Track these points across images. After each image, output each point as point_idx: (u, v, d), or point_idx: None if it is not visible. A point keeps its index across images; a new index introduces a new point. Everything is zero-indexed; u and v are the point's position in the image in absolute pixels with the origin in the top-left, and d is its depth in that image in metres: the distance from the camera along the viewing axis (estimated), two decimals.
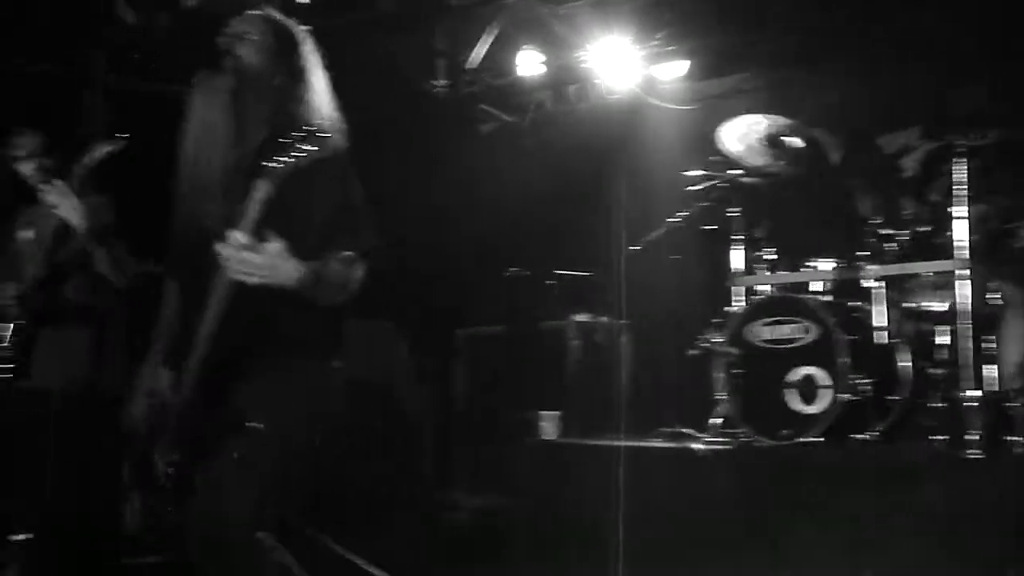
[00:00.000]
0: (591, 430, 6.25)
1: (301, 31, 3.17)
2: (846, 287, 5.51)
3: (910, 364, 5.15)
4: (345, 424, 6.74)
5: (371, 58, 7.27)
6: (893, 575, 4.16)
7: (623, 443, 5.33)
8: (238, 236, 2.68)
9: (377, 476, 7.11)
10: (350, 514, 6.66)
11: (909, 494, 4.26)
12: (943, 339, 5.26)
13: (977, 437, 4.36)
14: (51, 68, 5.39)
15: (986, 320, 5.09)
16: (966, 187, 4.80)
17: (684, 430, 5.44)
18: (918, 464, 4.48)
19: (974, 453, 4.35)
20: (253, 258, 2.67)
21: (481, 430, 7.20)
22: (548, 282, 7.28)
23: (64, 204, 4.19)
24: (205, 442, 2.86)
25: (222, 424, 2.85)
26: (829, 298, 5.53)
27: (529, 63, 7.77)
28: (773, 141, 5.78)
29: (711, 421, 5.54)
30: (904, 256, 5.25)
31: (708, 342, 5.59)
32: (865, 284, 5.36)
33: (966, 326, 4.74)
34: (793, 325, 5.23)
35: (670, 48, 7.32)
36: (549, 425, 6.01)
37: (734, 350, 5.37)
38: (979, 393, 4.52)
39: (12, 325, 4.44)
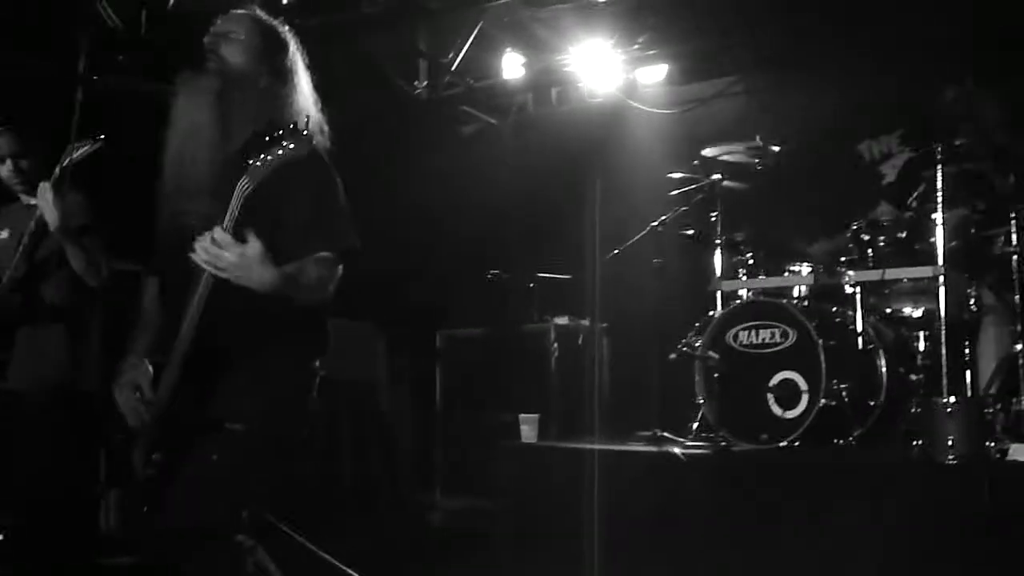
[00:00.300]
0: (570, 433, 6.26)
1: (286, 31, 3.16)
2: (826, 292, 5.54)
3: (888, 369, 5.18)
4: (324, 425, 6.78)
5: (353, 59, 7.26)
6: None
7: (600, 447, 5.33)
8: (217, 233, 2.67)
9: (356, 477, 7.10)
10: (328, 515, 6.64)
11: (887, 499, 4.27)
12: (921, 344, 5.29)
13: (954, 442, 4.38)
14: (31, 68, 5.36)
15: (964, 326, 5.12)
16: (944, 193, 4.82)
17: (663, 434, 5.44)
18: (896, 469, 4.49)
19: (951, 458, 4.37)
20: (227, 257, 2.67)
21: (460, 432, 7.19)
22: (528, 285, 7.28)
23: (42, 202, 4.17)
24: (185, 441, 2.84)
25: (201, 424, 2.84)
26: (808, 303, 5.56)
27: (511, 66, 7.78)
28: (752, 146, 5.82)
29: (690, 425, 5.55)
30: (883, 262, 5.27)
31: (688, 346, 5.59)
32: (844, 289, 5.38)
33: (944, 332, 4.76)
34: (773, 330, 5.24)
35: (652, 52, 7.35)
36: (528, 428, 6.00)
37: (714, 354, 5.39)
38: (956, 398, 4.54)
39: None
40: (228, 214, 2.72)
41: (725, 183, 5.87)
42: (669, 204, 6.08)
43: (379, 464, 7.26)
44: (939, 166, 4.82)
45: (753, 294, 5.71)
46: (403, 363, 7.88)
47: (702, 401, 5.44)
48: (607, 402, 6.71)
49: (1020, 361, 4.75)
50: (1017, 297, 4.84)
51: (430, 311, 7.80)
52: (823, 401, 4.97)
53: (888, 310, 5.51)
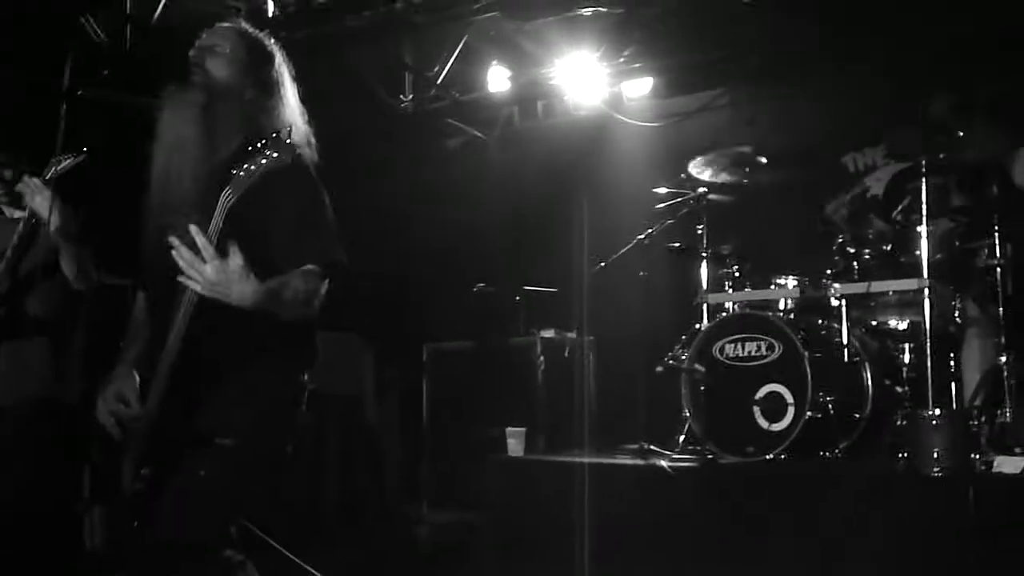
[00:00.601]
0: (557, 446, 6.26)
1: (272, 44, 3.15)
2: (811, 304, 5.55)
3: (874, 381, 5.19)
4: (311, 438, 6.76)
5: (338, 73, 7.26)
6: None
7: (587, 460, 5.33)
8: (200, 245, 2.65)
9: (343, 490, 7.08)
10: (316, 528, 6.62)
11: (873, 511, 4.28)
12: (906, 356, 5.31)
13: (939, 454, 4.39)
14: (16, 82, 5.34)
15: (949, 338, 5.15)
16: (929, 206, 4.84)
17: (650, 446, 5.44)
18: (882, 481, 4.50)
19: (937, 470, 4.38)
20: (207, 272, 2.65)
21: (447, 445, 7.18)
22: (515, 298, 7.28)
23: (37, 199, 4.13)
24: (173, 455, 2.83)
25: (189, 438, 2.82)
26: (794, 315, 5.58)
27: (496, 79, 7.78)
28: (737, 159, 5.84)
29: (677, 438, 5.55)
30: (868, 274, 5.30)
31: (674, 359, 5.60)
32: (830, 302, 5.40)
33: (929, 344, 4.78)
34: (759, 342, 5.25)
35: (637, 65, 7.36)
36: (515, 441, 6.00)
37: (700, 367, 5.39)
38: (941, 410, 4.56)
39: None
40: (212, 225, 2.71)
41: (711, 196, 5.88)
42: (655, 217, 6.09)
43: (366, 477, 7.24)
44: (924, 179, 4.85)
45: (739, 307, 5.72)
46: (390, 376, 7.86)
47: (688, 414, 5.45)
48: (594, 415, 6.70)
49: (1004, 373, 4.77)
50: (1001, 309, 4.87)
51: (417, 324, 7.80)
52: (809, 413, 4.98)
53: (874, 322, 5.53)
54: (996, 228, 4.88)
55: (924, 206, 4.84)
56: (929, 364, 4.77)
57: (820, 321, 5.54)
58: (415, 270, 8.08)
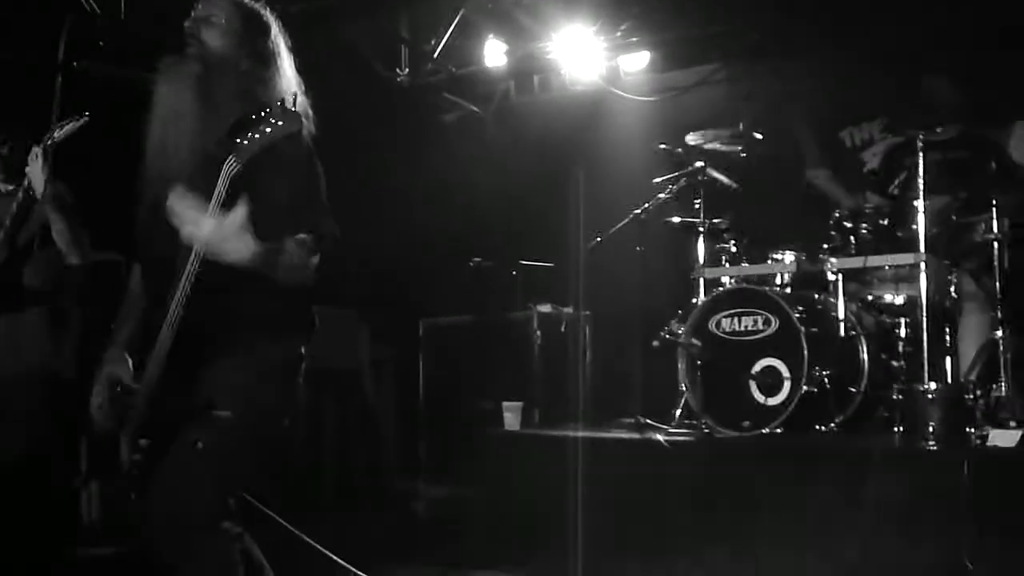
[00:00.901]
0: (553, 420, 6.27)
1: (268, 14, 3.14)
2: (808, 279, 5.56)
3: (870, 355, 5.20)
4: (308, 412, 6.77)
5: (334, 46, 7.23)
6: (852, 564, 4.20)
7: (583, 434, 5.34)
8: (199, 205, 2.64)
9: (339, 465, 7.09)
10: (312, 502, 6.64)
11: (868, 485, 4.29)
12: (903, 331, 5.32)
13: (934, 428, 4.41)
14: (10, 54, 5.31)
15: (945, 313, 5.16)
16: (926, 181, 4.84)
17: (646, 421, 5.45)
18: (877, 455, 4.52)
19: (932, 444, 4.40)
20: (208, 227, 2.63)
21: (443, 420, 7.19)
22: (511, 272, 7.28)
23: (32, 168, 4.12)
24: (171, 428, 2.83)
25: (188, 410, 2.82)
26: (790, 290, 5.58)
27: (493, 53, 7.76)
28: (736, 133, 5.83)
29: (673, 412, 5.57)
30: (865, 248, 5.30)
31: (671, 333, 5.60)
32: (827, 276, 5.40)
33: (925, 318, 4.79)
34: (755, 317, 5.26)
35: (634, 39, 7.34)
36: (511, 415, 6.01)
37: (696, 341, 5.40)
38: (937, 385, 4.57)
39: None
40: (215, 195, 2.70)
41: (708, 172, 5.88)
42: (652, 191, 6.08)
43: (363, 451, 7.26)
44: (921, 153, 4.85)
45: (736, 281, 5.72)
46: (386, 351, 7.87)
47: (685, 388, 5.46)
48: (590, 389, 6.72)
49: (1000, 347, 4.78)
50: (997, 284, 4.88)
51: (413, 299, 7.79)
52: (805, 388, 4.99)
53: (870, 297, 5.54)
54: (993, 203, 4.88)
55: (921, 180, 4.84)
56: (925, 338, 4.78)
57: (816, 295, 5.54)
58: (411, 244, 8.07)
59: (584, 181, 7.08)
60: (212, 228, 2.64)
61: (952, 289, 5.22)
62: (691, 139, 5.93)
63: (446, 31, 7.55)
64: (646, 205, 6.03)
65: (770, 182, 6.36)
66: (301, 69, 3.17)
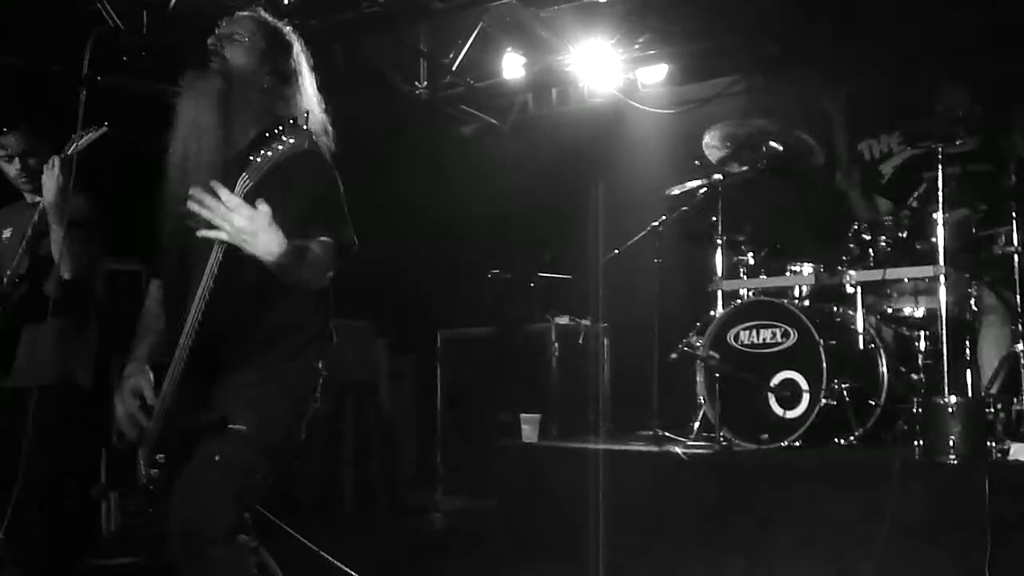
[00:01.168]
0: (571, 433, 6.26)
1: (290, 32, 3.16)
2: (826, 292, 5.54)
3: (889, 369, 5.18)
4: (326, 425, 6.78)
5: (354, 60, 7.27)
6: None
7: (601, 446, 5.33)
8: (225, 195, 2.63)
9: (357, 477, 7.11)
10: (329, 515, 6.65)
11: (887, 499, 4.27)
12: (922, 344, 5.30)
13: (954, 442, 4.38)
14: (36, 68, 5.36)
15: (965, 325, 5.13)
16: (945, 193, 4.82)
17: (664, 433, 5.44)
18: (896, 469, 4.49)
19: (952, 458, 4.37)
20: (237, 220, 2.63)
21: (461, 432, 7.20)
22: (529, 284, 7.28)
23: (47, 176, 4.15)
24: (189, 441, 2.84)
25: (205, 424, 2.84)
26: (809, 302, 5.56)
27: (511, 66, 7.77)
28: (754, 145, 5.81)
29: (691, 425, 5.56)
30: (884, 261, 5.27)
31: (689, 346, 5.60)
32: (845, 288, 5.39)
33: (945, 331, 4.77)
34: (774, 329, 5.25)
35: (652, 52, 7.34)
36: (529, 428, 6.01)
37: (714, 354, 5.39)
38: (957, 398, 4.55)
39: None
40: None
41: (727, 181, 5.86)
42: (669, 204, 6.08)
43: (380, 464, 7.27)
44: (940, 166, 4.83)
45: (754, 294, 5.71)
46: (404, 363, 7.89)
47: (703, 401, 5.45)
48: (608, 402, 6.72)
49: (1021, 360, 4.75)
50: (1018, 296, 4.85)
51: (431, 311, 7.81)
52: (824, 401, 4.97)
53: (889, 310, 5.50)
54: (1013, 215, 4.86)
55: (940, 193, 4.82)
56: (945, 351, 4.76)
57: (835, 308, 5.52)
58: (429, 256, 8.09)
59: (602, 193, 7.09)
60: (246, 217, 2.64)
61: (972, 302, 5.20)
62: (709, 139, 5.91)
63: (464, 44, 7.57)
64: (664, 217, 6.03)
65: (791, 189, 6.36)
66: (320, 84, 3.20)
